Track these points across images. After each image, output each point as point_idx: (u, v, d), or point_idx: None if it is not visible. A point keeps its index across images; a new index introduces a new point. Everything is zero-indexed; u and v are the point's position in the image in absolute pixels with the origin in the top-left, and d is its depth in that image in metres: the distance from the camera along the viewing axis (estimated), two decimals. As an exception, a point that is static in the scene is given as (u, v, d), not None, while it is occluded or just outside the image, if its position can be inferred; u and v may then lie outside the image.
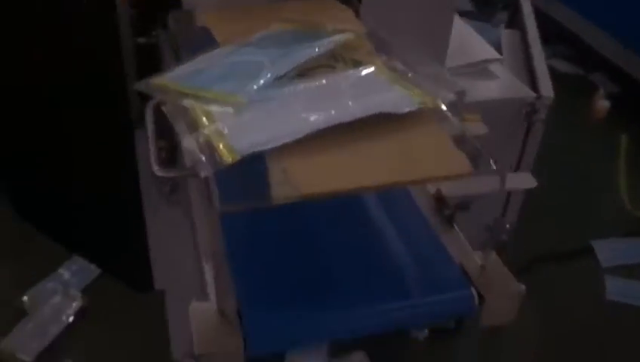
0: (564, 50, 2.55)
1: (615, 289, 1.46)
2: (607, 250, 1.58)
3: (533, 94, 1.03)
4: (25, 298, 1.30)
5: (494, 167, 0.48)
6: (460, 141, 0.49)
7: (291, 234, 0.56)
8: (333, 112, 0.47)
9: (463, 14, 3.18)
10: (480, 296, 0.54)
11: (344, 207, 0.59)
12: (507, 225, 1.32)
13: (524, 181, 0.68)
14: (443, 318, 0.53)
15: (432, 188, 0.61)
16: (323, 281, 0.53)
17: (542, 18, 2.56)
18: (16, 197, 1.45)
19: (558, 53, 2.56)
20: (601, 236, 1.62)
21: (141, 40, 0.84)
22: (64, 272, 1.36)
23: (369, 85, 0.51)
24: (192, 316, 0.48)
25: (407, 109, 0.48)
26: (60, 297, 1.30)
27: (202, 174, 0.43)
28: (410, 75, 0.54)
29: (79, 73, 0.97)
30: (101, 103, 1.00)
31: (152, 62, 0.78)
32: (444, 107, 0.50)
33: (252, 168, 0.45)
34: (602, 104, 2.18)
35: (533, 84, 1.08)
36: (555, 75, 2.40)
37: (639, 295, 1.44)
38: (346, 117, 0.46)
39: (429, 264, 0.56)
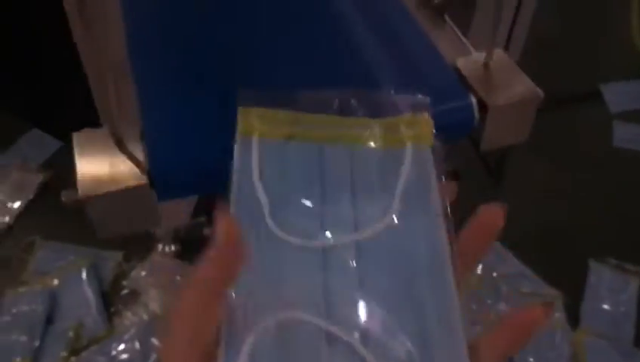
0: None
1: (623, 135, 1.35)
2: (616, 94, 1.45)
3: None
4: (-17, 174, 1.19)
5: None
6: None
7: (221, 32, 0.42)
8: None
9: None
10: (483, 105, 0.41)
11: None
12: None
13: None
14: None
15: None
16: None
17: None
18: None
19: None
20: (610, 80, 1.48)
21: None
22: (23, 146, 1.25)
23: None
24: (76, 148, 0.36)
25: None
26: (20, 172, 1.19)
27: None
28: None
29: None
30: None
31: None
32: None
33: None
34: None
35: None
36: None
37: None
38: None
39: (414, 67, 0.43)
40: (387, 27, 0.44)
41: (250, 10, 0.46)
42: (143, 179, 0.37)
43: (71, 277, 1.05)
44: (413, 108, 0.34)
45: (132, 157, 0.37)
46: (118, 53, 0.45)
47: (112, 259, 1.08)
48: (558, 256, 1.13)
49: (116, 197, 0.37)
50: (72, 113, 1.16)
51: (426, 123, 0.33)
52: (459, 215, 0.31)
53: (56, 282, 1.04)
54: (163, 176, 0.37)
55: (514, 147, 1.26)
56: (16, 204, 1.14)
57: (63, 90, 1.11)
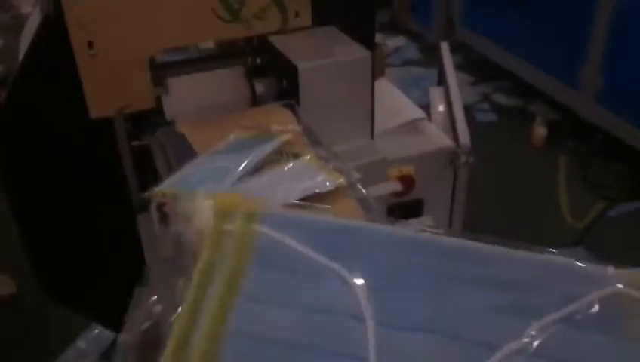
0: (505, 86, 2.85)
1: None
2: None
3: (453, 144, 1.27)
4: (50, 369, 1.48)
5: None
6: (365, 205, 0.72)
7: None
8: (278, 196, 0.69)
9: (411, 63, 3.50)
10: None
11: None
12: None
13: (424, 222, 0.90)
14: None
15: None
16: None
17: (484, 61, 2.88)
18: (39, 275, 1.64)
19: (501, 89, 2.85)
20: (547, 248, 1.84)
21: (135, 143, 1.07)
22: (83, 342, 1.55)
23: (303, 173, 0.74)
24: None
25: (329, 188, 0.71)
26: (81, 365, 1.49)
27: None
28: (331, 160, 0.77)
29: (89, 173, 1.18)
30: (108, 195, 1.22)
31: (146, 158, 1.00)
32: (355, 181, 0.73)
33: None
34: (541, 130, 2.45)
35: (455, 135, 1.32)
36: (498, 107, 2.70)
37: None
38: (288, 199, 0.69)
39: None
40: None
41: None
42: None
43: None
44: None
45: None
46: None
47: None
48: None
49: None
50: (123, 309, 1.48)
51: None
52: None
53: None
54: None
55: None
56: (80, 393, 1.43)
57: (124, 288, 1.44)
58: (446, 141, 1.29)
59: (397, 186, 1.01)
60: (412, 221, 0.94)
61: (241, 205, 0.40)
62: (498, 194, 2.08)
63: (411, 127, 1.34)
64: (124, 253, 1.26)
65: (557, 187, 2.13)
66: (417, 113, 1.36)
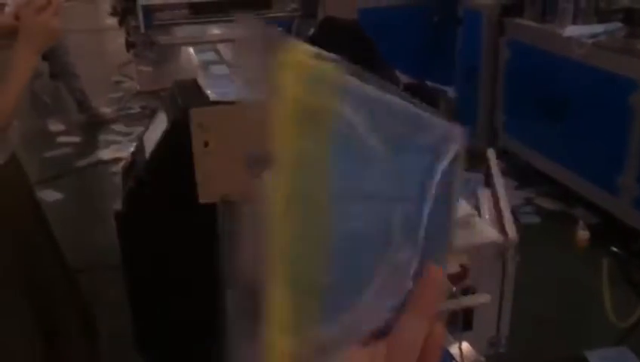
0: (548, 191, 2.99)
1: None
2: (599, 358, 1.87)
3: (502, 238, 1.43)
4: None
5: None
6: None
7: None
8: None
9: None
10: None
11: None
12: (502, 340, 1.67)
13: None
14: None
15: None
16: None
17: (526, 166, 3.05)
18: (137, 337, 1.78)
19: (543, 193, 3.00)
20: (592, 345, 1.91)
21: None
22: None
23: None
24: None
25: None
26: None
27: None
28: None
29: (192, 248, 1.37)
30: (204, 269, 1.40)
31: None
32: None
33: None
34: (583, 234, 2.56)
35: (503, 231, 1.48)
36: (541, 211, 2.83)
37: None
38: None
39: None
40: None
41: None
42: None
43: None
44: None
45: None
46: None
47: None
48: None
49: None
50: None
51: None
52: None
53: None
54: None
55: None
56: None
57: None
58: (496, 235, 1.45)
59: (455, 267, 1.16)
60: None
61: (329, 73, 0.33)
62: (542, 293, 2.17)
63: (464, 221, 1.50)
64: (210, 324, 1.42)
65: (600, 287, 2.21)
66: (468, 209, 1.53)
